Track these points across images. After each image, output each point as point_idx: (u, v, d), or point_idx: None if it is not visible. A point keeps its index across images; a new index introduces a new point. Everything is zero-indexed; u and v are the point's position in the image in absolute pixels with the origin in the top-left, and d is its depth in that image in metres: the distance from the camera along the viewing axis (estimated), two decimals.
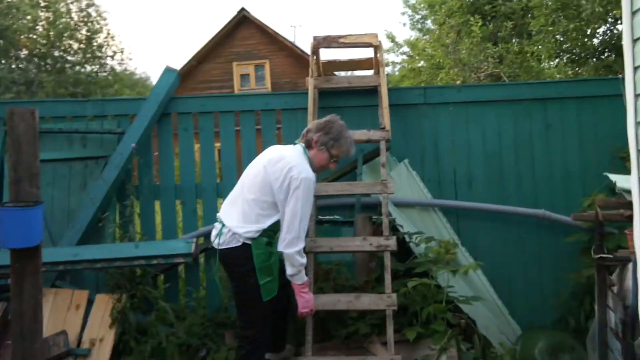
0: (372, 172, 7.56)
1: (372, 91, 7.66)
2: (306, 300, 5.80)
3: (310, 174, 5.70)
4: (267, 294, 5.75)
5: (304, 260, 5.69)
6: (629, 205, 5.77)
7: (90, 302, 7.22)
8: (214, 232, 5.96)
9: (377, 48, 7.69)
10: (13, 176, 5.91)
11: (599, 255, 6.12)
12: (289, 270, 5.70)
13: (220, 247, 5.90)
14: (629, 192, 5.80)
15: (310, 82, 7.58)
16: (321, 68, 7.91)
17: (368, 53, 8.01)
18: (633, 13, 5.20)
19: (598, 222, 6.32)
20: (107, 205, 7.74)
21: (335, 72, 8.41)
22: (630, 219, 5.68)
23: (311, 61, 7.75)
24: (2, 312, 6.76)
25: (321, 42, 7.63)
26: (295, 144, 6.04)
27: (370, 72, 8.19)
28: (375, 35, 7.78)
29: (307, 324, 6.48)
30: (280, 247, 5.66)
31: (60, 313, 7.01)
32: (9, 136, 5.95)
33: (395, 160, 7.70)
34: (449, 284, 6.96)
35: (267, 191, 5.72)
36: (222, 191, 7.91)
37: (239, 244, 5.75)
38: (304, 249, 5.68)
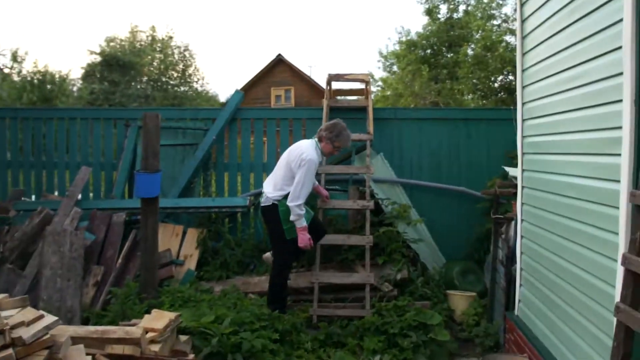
0: (360, 160, 7.53)
1: (362, 109, 7.68)
2: (303, 239, 5.78)
3: (314, 158, 5.79)
4: (288, 234, 5.84)
5: (301, 212, 5.69)
6: (515, 186, 5.89)
7: (184, 233, 7.33)
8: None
9: (367, 83, 7.70)
10: (144, 154, 6.21)
11: (495, 216, 6.27)
12: (292, 217, 5.73)
13: (261, 205, 6.05)
14: (515, 177, 6.02)
15: (325, 102, 7.61)
16: (331, 93, 7.91)
17: (361, 85, 8.29)
18: (523, 71, 5.47)
19: (496, 196, 6.47)
20: (196, 174, 7.87)
21: (340, 96, 8.46)
22: (514, 194, 5.86)
23: (326, 89, 7.74)
24: (134, 236, 6.92)
25: (333, 77, 7.63)
26: (312, 139, 6.10)
27: (362, 97, 8.41)
28: (367, 75, 7.85)
29: (317, 253, 6.57)
30: (288, 201, 5.71)
31: (167, 238, 7.11)
32: (142, 130, 6.28)
33: (375, 153, 7.73)
34: (404, 231, 7.10)
35: (288, 169, 5.79)
36: (266, 168, 7.99)
37: (270, 203, 5.90)
38: (303, 206, 5.76)
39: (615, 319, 3.03)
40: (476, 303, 6.53)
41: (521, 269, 5.40)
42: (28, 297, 4.33)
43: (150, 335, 4.54)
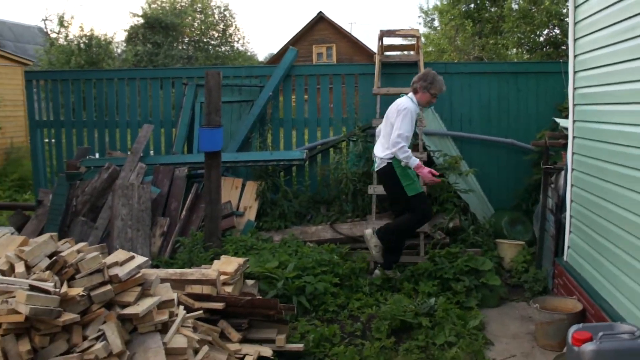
0: None
1: (414, 64, 7.78)
2: (425, 175, 5.68)
3: (410, 106, 5.76)
4: (410, 191, 5.80)
5: (406, 152, 5.60)
6: (565, 137, 6.06)
7: (243, 186, 7.61)
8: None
9: (417, 38, 7.84)
10: (207, 110, 6.48)
11: (545, 166, 6.38)
12: (402, 162, 5.71)
13: (376, 170, 6.15)
14: (565, 128, 6.15)
15: (377, 58, 7.73)
16: (383, 49, 8.01)
17: (412, 41, 8.41)
18: (575, 23, 5.58)
19: (545, 147, 6.54)
20: (253, 129, 8.10)
21: (391, 52, 8.59)
22: (564, 145, 6.00)
23: (377, 44, 7.87)
24: (196, 190, 7.24)
25: (384, 33, 7.78)
26: (405, 95, 6.04)
27: (412, 52, 8.58)
28: (417, 30, 7.97)
29: (372, 202, 6.90)
30: (391, 149, 5.70)
31: (227, 191, 7.40)
32: (205, 87, 6.53)
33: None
34: (455, 181, 7.28)
35: (390, 125, 5.84)
36: (320, 124, 8.30)
37: (385, 164, 5.87)
38: (407, 147, 5.64)
39: None
40: (525, 251, 6.72)
41: (571, 217, 5.57)
42: (105, 245, 4.74)
43: (222, 278, 4.92)
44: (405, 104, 5.81)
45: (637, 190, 3.97)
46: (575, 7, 5.36)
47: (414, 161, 5.67)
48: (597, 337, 3.51)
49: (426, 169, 5.68)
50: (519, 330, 5.30)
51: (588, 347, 3.49)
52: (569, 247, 5.64)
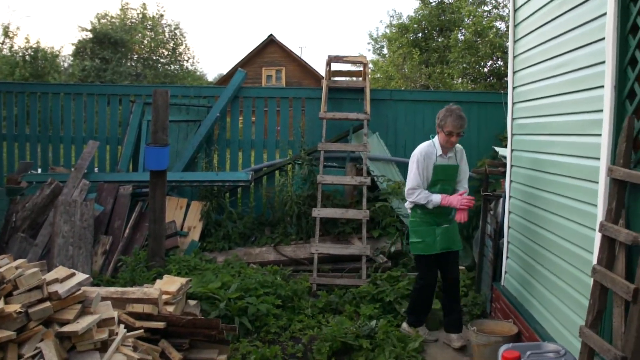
0: (357, 138, 7.84)
1: (360, 90, 7.96)
2: (452, 202, 5.21)
3: (417, 152, 5.33)
4: (412, 249, 5.49)
5: (419, 198, 5.24)
6: (504, 165, 6.24)
7: (188, 206, 7.64)
8: None
9: (365, 65, 8.05)
10: (154, 128, 6.47)
11: (485, 193, 6.56)
12: (428, 205, 5.27)
13: None
14: (504, 157, 6.34)
15: (324, 83, 7.86)
16: (330, 74, 8.14)
17: (359, 67, 8.58)
18: (514, 57, 5.83)
19: (485, 174, 6.73)
20: (199, 149, 8.13)
21: (339, 77, 8.67)
22: (503, 173, 6.16)
23: (325, 69, 8.01)
24: (140, 208, 7.21)
25: (332, 58, 7.94)
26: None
27: (359, 79, 8.74)
28: (364, 57, 8.18)
29: (316, 225, 6.93)
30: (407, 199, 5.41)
31: (171, 210, 7.42)
32: (152, 105, 6.52)
33: (371, 132, 7.98)
34: (398, 206, 7.39)
35: None
36: (266, 146, 8.37)
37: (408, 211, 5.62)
38: (413, 192, 5.27)
39: (592, 280, 3.43)
40: (464, 276, 6.86)
41: (508, 242, 5.76)
42: (45, 262, 4.69)
43: (164, 297, 4.90)
44: (417, 149, 5.41)
45: (568, 217, 4.17)
46: (515, 42, 5.61)
47: (437, 198, 5.23)
48: (525, 356, 3.70)
49: (454, 197, 5.25)
50: (457, 353, 5.41)
51: None
52: (506, 272, 5.81)
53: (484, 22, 21.29)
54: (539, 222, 4.82)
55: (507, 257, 5.77)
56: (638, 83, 3.27)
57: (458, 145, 5.47)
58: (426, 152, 5.35)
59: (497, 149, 7.31)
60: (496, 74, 21.34)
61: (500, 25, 21.47)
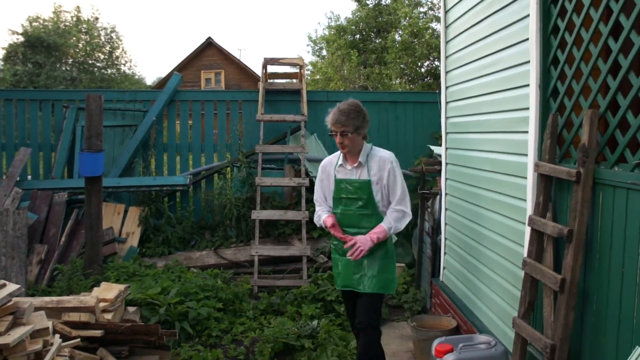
0: (295, 140, 7.88)
1: (297, 92, 8.00)
2: (337, 236, 4.13)
3: (321, 163, 4.42)
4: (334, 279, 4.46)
5: (315, 217, 4.32)
6: (439, 163, 6.38)
7: (125, 212, 7.51)
8: None
9: (301, 67, 8.05)
10: (87, 134, 6.38)
11: (422, 191, 6.74)
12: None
13: None
14: (440, 155, 6.49)
15: (261, 85, 7.87)
16: (267, 76, 8.19)
17: (295, 69, 8.63)
18: (446, 57, 5.95)
19: (422, 173, 6.92)
20: (136, 154, 8.05)
21: (275, 79, 8.72)
22: (439, 171, 6.28)
23: (262, 72, 8.00)
24: (76, 215, 7.08)
25: (268, 61, 7.92)
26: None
27: (295, 80, 8.78)
28: (302, 59, 8.23)
29: (255, 227, 6.89)
30: None
31: (109, 216, 7.28)
32: (85, 110, 6.42)
33: (309, 133, 8.07)
34: None
35: None
36: (204, 149, 8.34)
37: None
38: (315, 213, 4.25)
39: (523, 272, 3.55)
40: (405, 273, 6.99)
41: (445, 239, 5.88)
42: None
43: (102, 304, 4.82)
44: None
45: (499, 212, 4.29)
46: (446, 42, 5.74)
47: (327, 221, 4.21)
48: (457, 348, 3.82)
49: (329, 221, 4.18)
50: (398, 348, 5.49)
51: (449, 357, 3.77)
52: (444, 268, 5.93)
53: (420, 24, 21.66)
54: (473, 218, 4.94)
55: (445, 253, 5.88)
56: (561, 82, 3.40)
57: (383, 154, 4.18)
58: (326, 161, 4.39)
59: (432, 147, 7.46)
60: (433, 74, 21.74)
61: (436, 26, 21.85)
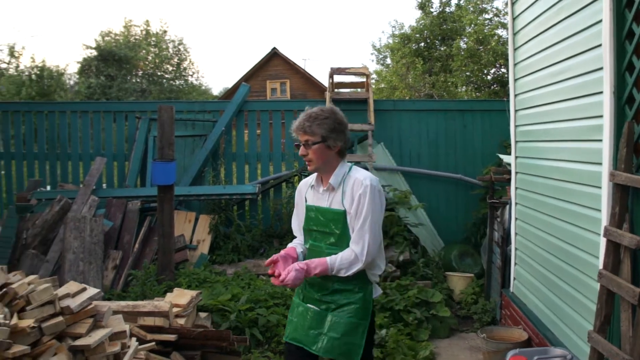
0: (362, 149, 7.92)
1: (363, 101, 8.01)
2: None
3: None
4: None
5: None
6: (509, 172, 6.30)
7: (196, 219, 7.68)
8: None
9: (367, 76, 8.11)
10: (160, 144, 6.56)
11: (491, 201, 6.67)
12: None
13: None
14: (509, 164, 6.42)
15: (328, 95, 7.95)
16: (333, 86, 8.26)
17: (361, 78, 8.66)
18: (515, 65, 5.88)
19: (491, 182, 6.82)
20: (206, 163, 8.20)
21: (342, 89, 8.81)
22: (509, 180, 6.21)
23: (328, 82, 8.10)
24: (149, 223, 7.30)
25: (335, 70, 8.03)
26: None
27: (361, 90, 8.81)
28: (367, 68, 8.29)
29: None
30: None
31: (180, 224, 7.46)
32: (158, 121, 6.62)
33: (376, 142, 8.04)
34: (405, 215, 7.53)
35: None
36: (272, 158, 8.45)
37: None
38: None
39: (598, 285, 3.47)
40: (474, 283, 6.94)
41: (516, 249, 5.77)
42: (56, 278, 4.75)
43: (175, 310, 4.96)
44: None
45: (573, 222, 4.21)
46: (515, 50, 5.67)
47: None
48: None
49: (280, 253, 3.36)
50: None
51: None
52: (514, 279, 5.83)
53: (485, 30, 21.39)
54: (545, 228, 4.85)
55: (515, 264, 5.79)
56: (636, 88, 3.32)
57: (359, 175, 3.26)
58: (302, 182, 3.62)
59: (501, 156, 7.37)
60: (500, 81, 21.41)
61: (502, 32, 21.52)
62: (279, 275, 3.16)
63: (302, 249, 3.47)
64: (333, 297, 3.27)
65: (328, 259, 3.17)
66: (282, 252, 3.35)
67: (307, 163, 3.33)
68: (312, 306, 3.35)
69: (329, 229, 3.28)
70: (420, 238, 7.76)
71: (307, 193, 3.46)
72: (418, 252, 7.53)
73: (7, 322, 3.56)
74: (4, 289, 3.87)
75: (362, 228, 3.15)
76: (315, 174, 3.43)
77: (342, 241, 3.23)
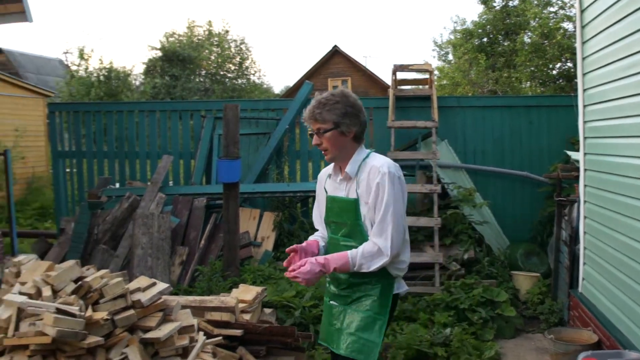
0: (426, 146, 7.83)
1: (426, 98, 7.95)
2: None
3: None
4: None
5: None
6: (577, 169, 6.19)
7: (260, 216, 7.78)
8: None
9: (430, 72, 8.04)
10: (225, 142, 6.66)
11: (558, 199, 6.52)
12: None
13: None
14: (577, 161, 6.29)
15: (391, 92, 7.89)
16: (396, 83, 8.17)
17: (425, 75, 8.57)
18: (583, 59, 5.73)
19: (558, 179, 6.71)
20: (270, 161, 8.26)
21: (404, 86, 8.67)
22: (577, 178, 6.06)
23: (391, 79, 8.03)
24: (214, 220, 7.43)
25: (398, 67, 7.95)
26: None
27: (424, 87, 8.76)
28: (430, 65, 8.21)
29: None
30: None
31: (245, 221, 7.55)
32: (223, 119, 6.72)
33: (439, 139, 7.94)
34: (470, 213, 7.43)
35: None
36: None
37: None
38: None
39: None
40: (540, 283, 6.79)
41: (585, 248, 5.62)
42: (126, 272, 4.89)
43: (241, 305, 5.03)
44: None
45: None
46: (583, 43, 5.51)
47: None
48: None
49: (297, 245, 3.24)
50: None
51: None
52: (583, 279, 5.68)
53: (550, 24, 20.84)
54: (616, 227, 4.71)
55: (584, 264, 5.63)
56: None
57: (376, 162, 3.07)
58: (322, 172, 3.42)
59: (569, 153, 7.20)
60: (565, 76, 20.81)
61: (568, 26, 20.91)
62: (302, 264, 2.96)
63: (324, 243, 3.33)
64: (349, 291, 3.11)
65: (349, 252, 2.97)
66: (304, 243, 3.23)
67: (323, 152, 3.14)
68: (333, 302, 3.21)
69: (342, 219, 3.11)
70: (485, 236, 7.64)
71: (327, 183, 3.28)
72: (483, 250, 7.42)
73: (83, 313, 3.69)
74: (79, 282, 4.01)
75: (383, 219, 2.93)
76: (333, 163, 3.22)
77: (355, 232, 3.05)
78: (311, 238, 3.35)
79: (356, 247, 2.99)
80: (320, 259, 2.96)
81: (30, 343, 3.56)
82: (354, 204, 3.03)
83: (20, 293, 3.95)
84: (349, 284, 3.09)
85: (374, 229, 2.96)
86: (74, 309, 3.68)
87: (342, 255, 2.96)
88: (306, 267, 2.92)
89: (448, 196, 7.58)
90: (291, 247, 3.13)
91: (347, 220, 3.07)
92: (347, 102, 3.09)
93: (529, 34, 22.18)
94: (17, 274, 4.53)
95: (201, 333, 4.34)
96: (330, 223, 3.22)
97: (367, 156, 3.11)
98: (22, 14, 8.91)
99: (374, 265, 2.94)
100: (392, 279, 3.08)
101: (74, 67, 27.56)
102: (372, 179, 2.97)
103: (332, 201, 3.19)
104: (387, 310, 3.05)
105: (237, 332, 4.64)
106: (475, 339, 5.55)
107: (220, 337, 4.51)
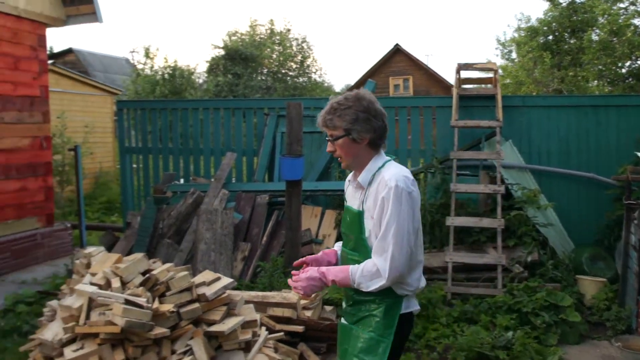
0: (490, 146, 7.69)
1: (490, 97, 7.80)
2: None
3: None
4: None
5: None
6: None
7: (322, 214, 7.80)
8: None
9: (495, 71, 7.88)
10: (288, 139, 6.70)
11: (627, 202, 6.31)
12: None
13: None
14: None
15: (454, 91, 7.76)
16: (460, 82, 8.02)
17: (489, 74, 8.43)
18: None
19: (628, 181, 6.51)
20: (332, 159, 8.10)
21: (468, 85, 8.56)
22: None
23: (455, 78, 7.91)
24: (276, 216, 7.49)
25: (462, 66, 7.83)
26: None
27: (488, 86, 8.61)
28: (494, 64, 8.05)
29: (450, 234, 6.83)
30: None
31: (306, 218, 7.61)
32: (286, 117, 6.75)
33: (504, 139, 7.80)
34: (534, 215, 7.25)
35: None
36: (398, 155, 8.28)
37: None
38: None
39: None
40: (606, 288, 6.57)
41: None
42: (190, 266, 4.98)
43: (302, 302, 5.06)
44: None
45: None
46: None
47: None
48: None
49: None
50: None
51: None
52: None
53: (620, 20, 20.20)
54: None
55: None
56: None
57: (387, 173, 2.79)
58: (349, 175, 3.11)
59: (639, 154, 6.96)
60: (636, 75, 20.13)
61: (639, 22, 20.29)
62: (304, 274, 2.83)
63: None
64: (355, 309, 2.91)
65: (350, 267, 2.78)
66: (320, 253, 3.05)
67: (338, 160, 2.92)
68: (343, 320, 3.04)
69: (349, 231, 2.93)
70: (549, 239, 7.45)
71: (348, 190, 3.05)
72: (547, 253, 7.24)
73: (150, 305, 3.79)
74: (147, 275, 4.11)
75: (384, 238, 2.70)
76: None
77: (359, 246, 2.85)
78: (333, 247, 3.18)
79: (361, 262, 2.80)
80: (323, 268, 2.82)
81: (100, 332, 3.67)
82: (358, 216, 2.84)
83: (91, 284, 4.08)
84: (353, 300, 2.91)
85: (374, 246, 2.76)
86: (142, 301, 3.78)
87: (343, 268, 2.81)
88: (305, 274, 2.81)
89: (512, 197, 7.42)
90: (301, 259, 3.00)
91: (353, 234, 2.89)
92: (359, 106, 2.80)
93: (597, 31, 21.57)
94: (88, 265, 4.68)
95: (263, 328, 4.40)
96: (343, 234, 3.05)
97: (382, 165, 2.84)
98: (92, 15, 9.17)
99: (372, 286, 2.74)
100: (399, 297, 2.84)
101: (139, 66, 28.31)
102: (379, 191, 2.74)
103: (345, 211, 3.02)
104: (391, 331, 2.80)
105: (299, 328, 4.68)
106: (538, 343, 5.43)
107: (281, 333, 4.56)
